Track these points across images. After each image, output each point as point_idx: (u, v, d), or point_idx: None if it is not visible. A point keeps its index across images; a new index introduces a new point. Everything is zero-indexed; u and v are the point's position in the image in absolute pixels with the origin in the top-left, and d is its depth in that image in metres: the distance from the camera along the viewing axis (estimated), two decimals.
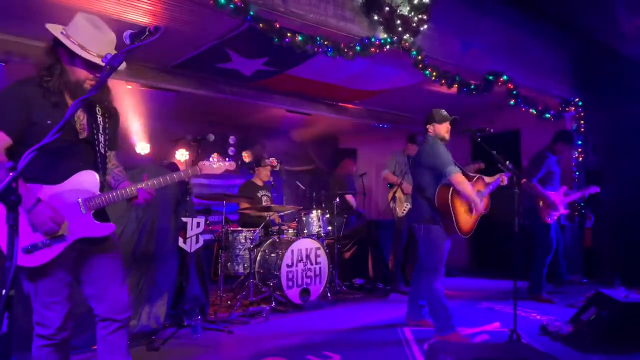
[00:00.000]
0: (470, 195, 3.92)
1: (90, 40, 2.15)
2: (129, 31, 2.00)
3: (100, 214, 2.31)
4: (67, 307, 2.21)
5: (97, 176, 2.26)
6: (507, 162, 4.04)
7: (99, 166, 2.30)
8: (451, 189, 3.91)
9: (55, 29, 2.18)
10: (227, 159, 2.61)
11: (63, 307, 2.19)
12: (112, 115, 2.44)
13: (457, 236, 4.01)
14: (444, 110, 4.20)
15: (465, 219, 4.01)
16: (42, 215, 2.04)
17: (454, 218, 3.90)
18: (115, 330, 2.31)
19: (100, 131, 2.33)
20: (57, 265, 2.14)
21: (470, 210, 4.03)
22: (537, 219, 5.64)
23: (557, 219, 5.85)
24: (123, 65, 2.04)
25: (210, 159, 2.55)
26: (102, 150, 2.33)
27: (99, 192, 2.25)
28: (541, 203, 5.59)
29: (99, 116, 2.34)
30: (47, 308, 2.15)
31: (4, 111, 2.10)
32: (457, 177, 3.90)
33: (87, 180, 2.23)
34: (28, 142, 2.08)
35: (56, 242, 2.10)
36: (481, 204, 4.02)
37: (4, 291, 1.42)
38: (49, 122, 2.11)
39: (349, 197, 6.23)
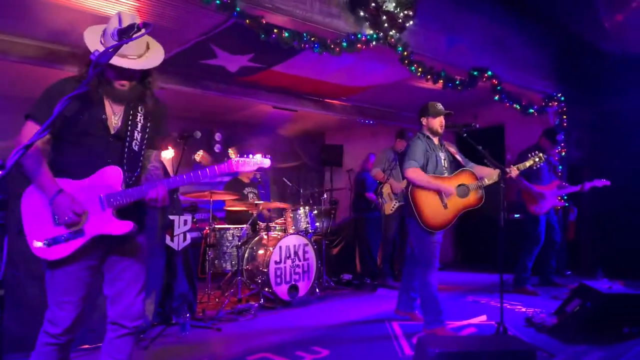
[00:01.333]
0: (428, 183, 3.92)
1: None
2: (117, 27, 1.98)
3: (125, 212, 2.25)
4: (79, 309, 2.19)
5: (121, 173, 2.22)
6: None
7: (124, 163, 2.26)
8: (409, 184, 3.97)
9: (93, 32, 2.20)
10: (266, 155, 2.45)
11: (75, 307, 2.17)
12: (157, 116, 2.41)
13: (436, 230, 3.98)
14: (439, 104, 4.20)
15: (436, 213, 3.94)
16: (63, 205, 2.06)
17: (417, 212, 3.90)
18: (123, 335, 2.28)
19: (138, 129, 2.30)
20: (76, 262, 2.14)
21: (443, 203, 3.95)
22: (526, 212, 5.76)
23: (555, 214, 5.94)
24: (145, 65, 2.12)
25: (245, 156, 2.39)
26: (136, 148, 2.30)
27: (120, 189, 2.21)
28: (527, 196, 5.69)
29: (139, 114, 2.31)
30: (60, 307, 2.15)
31: (40, 105, 2.12)
32: (409, 172, 3.94)
33: (111, 176, 2.20)
34: (66, 136, 2.16)
35: (76, 236, 2.10)
36: (448, 188, 3.95)
37: None
38: (80, 116, 2.15)
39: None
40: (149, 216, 4.21)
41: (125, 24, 2.06)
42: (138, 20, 2.08)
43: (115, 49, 1.84)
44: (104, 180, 2.19)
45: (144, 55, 2.21)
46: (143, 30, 1.86)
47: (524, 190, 5.70)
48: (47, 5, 4.09)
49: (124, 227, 2.18)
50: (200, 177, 2.27)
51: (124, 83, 2.22)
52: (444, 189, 3.95)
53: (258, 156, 2.40)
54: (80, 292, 2.18)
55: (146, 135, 2.34)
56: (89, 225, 2.14)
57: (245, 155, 2.36)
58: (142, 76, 2.29)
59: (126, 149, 2.27)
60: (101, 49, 2.03)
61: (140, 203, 2.24)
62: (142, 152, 2.35)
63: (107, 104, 2.25)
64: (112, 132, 2.24)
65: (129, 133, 2.28)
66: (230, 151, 8.13)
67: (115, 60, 2.06)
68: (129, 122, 2.29)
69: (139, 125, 2.31)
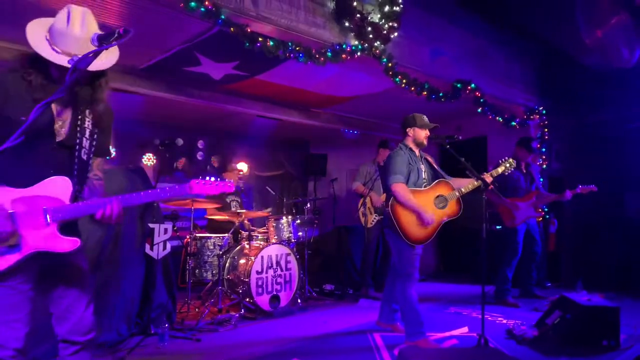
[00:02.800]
0: (412, 205, 3.86)
1: (61, 38, 1.96)
2: (97, 33, 1.95)
3: (69, 227, 2.10)
4: (29, 327, 2.02)
5: (71, 185, 2.04)
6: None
7: (74, 174, 2.08)
8: (391, 197, 3.94)
9: (38, 26, 2.03)
10: (225, 180, 2.22)
11: (24, 325, 2.00)
12: (105, 120, 2.23)
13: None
14: (425, 117, 4.21)
15: (417, 228, 3.90)
16: None
17: (399, 227, 3.87)
18: (76, 352, 2.14)
19: (86, 135, 2.13)
20: (17, 277, 1.97)
21: (423, 222, 3.90)
22: (503, 223, 5.82)
23: (537, 226, 5.99)
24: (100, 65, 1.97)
25: (207, 178, 2.17)
26: (84, 157, 2.13)
27: (69, 202, 2.02)
28: (501, 209, 5.75)
29: (87, 119, 2.13)
30: (8, 326, 1.96)
31: None
32: (395, 187, 3.90)
33: (59, 188, 2.02)
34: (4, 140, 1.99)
35: (10, 251, 1.90)
36: (428, 214, 3.87)
37: None
38: (22, 118, 1.91)
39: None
40: (126, 225, 4.18)
41: (74, 19, 1.95)
42: (89, 16, 2.00)
43: (96, 54, 1.80)
44: (49, 191, 2.00)
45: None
46: (124, 37, 1.82)
47: (497, 202, 5.75)
48: (35, 11, 4.02)
49: (69, 244, 2.00)
50: (158, 196, 2.10)
51: (75, 86, 2.07)
52: (424, 216, 3.85)
53: (224, 182, 2.19)
54: (26, 307, 2.01)
55: (94, 143, 2.17)
56: (27, 239, 1.94)
57: (208, 177, 2.16)
58: (92, 78, 2.12)
59: (76, 159, 2.09)
60: (45, 45, 1.96)
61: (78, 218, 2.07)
62: (90, 162, 2.18)
63: (53, 107, 2.05)
64: (59, 139, 2.07)
65: (77, 141, 2.09)
66: (213, 159, 8.10)
67: (58, 58, 1.95)
68: (77, 129, 2.11)
69: (87, 131, 2.14)
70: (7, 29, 4.26)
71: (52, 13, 2.00)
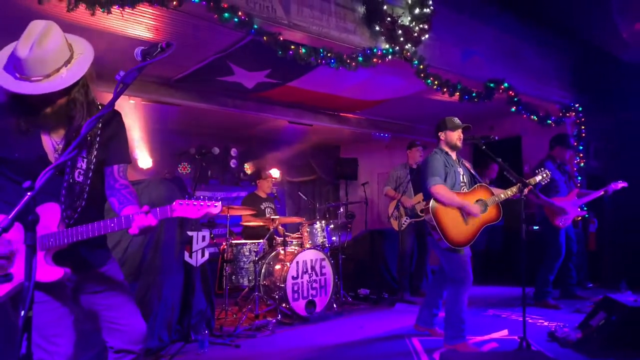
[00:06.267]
0: (455, 201, 3.82)
1: (16, 62, 1.83)
2: (140, 48, 1.98)
3: (98, 243, 2.05)
4: (73, 339, 1.99)
5: (58, 210, 1.92)
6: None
7: (62, 199, 1.96)
8: (432, 200, 3.87)
9: (6, 51, 1.92)
10: (214, 199, 1.99)
11: (67, 339, 1.96)
12: (109, 129, 2.10)
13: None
14: (456, 118, 4.16)
15: (459, 230, 3.85)
16: None
17: (440, 230, 3.80)
18: None
19: (83, 154, 2.01)
20: (46, 295, 1.92)
21: (464, 219, 3.86)
22: (548, 224, 5.63)
23: (574, 226, 5.83)
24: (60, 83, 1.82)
25: (189, 199, 1.97)
26: (79, 178, 2.00)
27: (57, 229, 1.90)
28: (548, 210, 5.57)
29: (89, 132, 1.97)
30: (48, 341, 1.92)
31: None
32: (435, 188, 3.83)
33: (46, 214, 1.89)
34: (5, 172, 1.94)
35: (3, 280, 1.83)
36: (475, 208, 3.85)
37: (22, 312, 1.39)
38: (16, 155, 1.89)
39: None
40: (165, 233, 4.26)
41: (24, 39, 1.82)
42: (49, 32, 1.86)
43: (140, 69, 1.82)
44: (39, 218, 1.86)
45: (57, 73, 1.88)
46: (167, 51, 1.83)
47: (544, 205, 5.59)
48: (63, 27, 4.16)
49: (53, 273, 1.87)
50: (128, 223, 1.89)
51: (46, 107, 1.91)
52: (469, 208, 3.83)
53: (210, 203, 1.96)
54: (65, 321, 1.97)
55: (93, 160, 2.04)
56: (18, 268, 1.85)
57: (193, 198, 1.96)
58: (66, 93, 1.94)
59: (65, 183, 1.98)
60: (2, 71, 1.85)
61: (92, 239, 1.94)
62: (89, 181, 2.04)
63: (43, 136, 1.96)
64: (51, 159, 1.96)
65: (69, 163, 1.98)
66: (246, 166, 8.20)
67: (12, 85, 1.82)
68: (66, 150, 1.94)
69: (84, 151, 2.02)
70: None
71: (61, 23, 1.95)
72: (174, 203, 1.92)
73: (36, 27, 1.86)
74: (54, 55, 1.87)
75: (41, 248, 1.87)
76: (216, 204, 1.95)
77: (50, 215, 1.90)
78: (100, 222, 1.91)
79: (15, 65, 1.85)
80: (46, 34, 1.85)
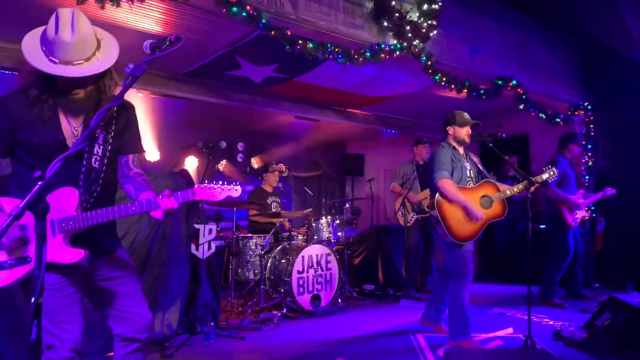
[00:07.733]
0: (460, 198, 3.81)
1: (54, 47, 1.89)
2: (150, 41, 1.99)
3: (107, 232, 2.11)
4: (82, 327, 2.03)
5: (77, 194, 1.97)
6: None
7: (80, 183, 2.01)
8: (437, 194, 3.87)
9: (32, 38, 1.96)
10: (233, 182, 2.08)
11: (76, 326, 2.01)
12: (122, 119, 2.16)
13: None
14: (466, 114, 4.14)
15: (463, 225, 3.84)
16: (11, 233, 1.85)
17: (444, 225, 3.80)
18: (136, 350, 2.16)
19: (99, 142, 2.06)
20: (61, 280, 1.97)
21: (469, 217, 3.86)
22: (557, 223, 5.58)
23: (580, 226, 5.81)
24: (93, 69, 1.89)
25: (211, 183, 2.02)
26: (96, 164, 2.06)
27: (75, 212, 1.95)
28: (564, 207, 5.53)
29: (99, 124, 2.01)
30: (59, 327, 1.97)
31: None
32: (442, 182, 3.83)
33: (65, 198, 1.95)
34: (21, 156, 2.00)
35: (20, 263, 1.86)
36: (478, 209, 3.84)
37: (33, 299, 1.42)
38: (34, 140, 1.94)
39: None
40: (172, 226, 4.29)
41: (62, 25, 1.87)
42: (79, 16, 1.91)
43: (149, 62, 1.83)
44: (57, 202, 1.93)
45: (94, 57, 1.96)
46: (176, 44, 1.85)
47: (561, 200, 5.51)
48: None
49: (73, 255, 1.92)
50: (149, 206, 1.97)
51: (78, 91, 2.01)
52: (472, 211, 3.81)
53: (230, 186, 2.05)
54: (75, 308, 2.01)
55: (108, 147, 2.10)
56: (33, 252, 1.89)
57: (214, 182, 2.02)
58: (97, 79, 2.04)
59: (83, 168, 2.02)
60: (41, 58, 1.89)
61: (106, 225, 2.02)
62: (104, 168, 2.10)
63: (63, 121, 2.02)
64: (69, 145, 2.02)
65: (87, 149, 2.03)
66: (253, 160, 8.22)
67: (56, 69, 1.87)
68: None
69: (101, 137, 2.08)
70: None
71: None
72: (195, 187, 1.99)
73: (67, 13, 1.91)
74: (92, 38, 1.96)
75: (60, 231, 1.92)
76: (236, 188, 2.05)
77: (68, 199, 1.95)
78: (121, 205, 1.98)
79: (51, 51, 1.90)
80: (79, 19, 1.93)
